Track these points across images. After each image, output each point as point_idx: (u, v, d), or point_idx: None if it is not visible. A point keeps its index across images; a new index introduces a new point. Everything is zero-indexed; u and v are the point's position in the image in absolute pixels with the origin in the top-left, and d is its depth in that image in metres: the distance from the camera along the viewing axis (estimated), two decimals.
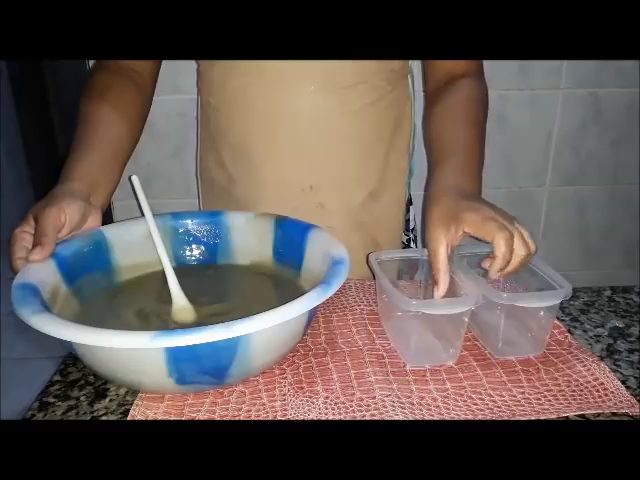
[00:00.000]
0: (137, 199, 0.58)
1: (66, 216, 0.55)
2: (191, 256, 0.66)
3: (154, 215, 0.59)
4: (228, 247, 0.66)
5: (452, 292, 0.55)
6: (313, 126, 0.71)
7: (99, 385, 0.52)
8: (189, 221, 0.66)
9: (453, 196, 0.57)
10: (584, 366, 0.53)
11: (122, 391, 0.51)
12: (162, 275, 0.58)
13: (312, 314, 0.50)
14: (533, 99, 1.13)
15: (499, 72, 1.10)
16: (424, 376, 0.52)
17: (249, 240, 0.65)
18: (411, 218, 0.88)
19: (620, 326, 0.62)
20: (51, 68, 1.11)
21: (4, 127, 2.31)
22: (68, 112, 1.10)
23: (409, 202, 0.86)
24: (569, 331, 0.60)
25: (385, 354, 0.56)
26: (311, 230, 0.61)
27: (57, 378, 0.53)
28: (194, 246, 0.66)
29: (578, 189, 1.21)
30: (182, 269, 0.62)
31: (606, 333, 0.60)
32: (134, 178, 0.59)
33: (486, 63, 1.09)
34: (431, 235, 0.54)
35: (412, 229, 0.88)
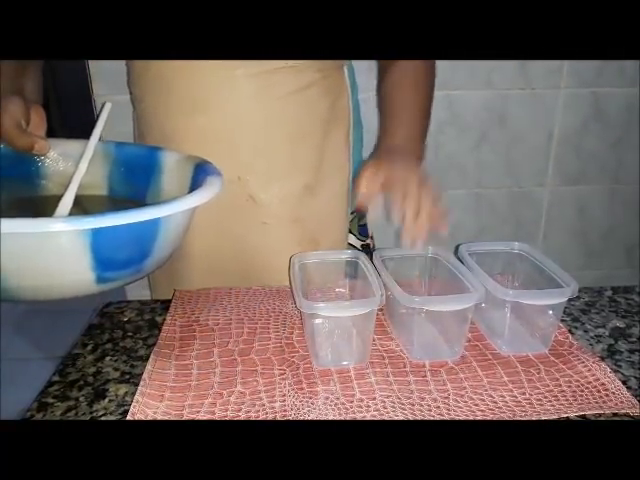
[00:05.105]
0: (96, 122, 0.58)
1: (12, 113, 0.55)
2: (123, 190, 0.64)
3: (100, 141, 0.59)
4: (157, 187, 0.63)
5: (457, 289, 0.56)
6: (237, 112, 0.68)
7: (98, 385, 0.52)
8: (129, 152, 0.64)
9: (390, 152, 0.64)
10: (585, 366, 0.53)
11: (121, 392, 0.51)
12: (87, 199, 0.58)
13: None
14: (534, 99, 1.13)
15: (499, 72, 1.10)
16: (424, 377, 0.52)
17: (174, 182, 0.62)
18: (368, 225, 0.84)
19: (621, 326, 0.61)
20: (51, 68, 1.11)
21: None
22: (68, 112, 1.10)
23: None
24: (570, 331, 0.60)
25: (385, 354, 0.56)
26: (211, 176, 0.57)
27: (56, 378, 0.53)
28: (129, 180, 0.64)
29: (579, 189, 1.21)
30: (106, 198, 0.61)
31: (607, 333, 0.60)
32: (108, 104, 0.58)
33: (486, 63, 1.09)
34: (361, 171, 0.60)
35: (371, 236, 0.85)
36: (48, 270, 0.44)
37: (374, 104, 0.77)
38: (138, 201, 0.62)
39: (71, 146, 0.62)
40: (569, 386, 0.51)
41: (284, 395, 0.50)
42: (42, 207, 0.59)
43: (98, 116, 0.59)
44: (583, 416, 0.47)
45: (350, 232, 0.81)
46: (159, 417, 0.47)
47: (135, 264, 0.49)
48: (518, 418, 0.47)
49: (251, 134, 0.69)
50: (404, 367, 0.54)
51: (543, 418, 0.47)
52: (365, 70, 0.83)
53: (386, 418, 0.47)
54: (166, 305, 0.66)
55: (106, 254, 0.45)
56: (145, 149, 0.66)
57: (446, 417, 0.47)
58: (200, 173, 0.57)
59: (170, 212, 0.46)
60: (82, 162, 0.57)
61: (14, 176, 0.60)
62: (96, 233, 0.43)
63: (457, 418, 0.47)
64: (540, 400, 0.49)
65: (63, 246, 0.43)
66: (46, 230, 0.41)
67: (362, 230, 0.83)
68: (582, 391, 0.50)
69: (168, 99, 0.69)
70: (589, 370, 0.52)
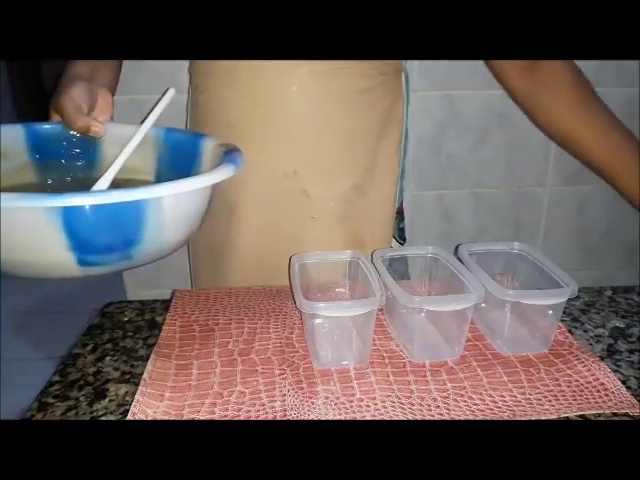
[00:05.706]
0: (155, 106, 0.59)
1: (76, 99, 0.58)
2: (169, 176, 0.62)
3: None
4: (198, 173, 0.62)
5: (457, 289, 0.56)
6: (299, 109, 0.70)
7: (98, 385, 0.52)
8: (177, 138, 0.64)
9: None
10: (585, 366, 0.53)
11: (122, 391, 0.51)
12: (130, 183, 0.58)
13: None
14: None
15: None
16: (424, 376, 0.52)
17: (209, 168, 0.59)
18: (406, 228, 0.86)
19: (621, 326, 0.61)
20: (51, 68, 1.11)
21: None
22: None
23: (402, 212, 0.85)
24: (570, 331, 0.60)
25: (385, 354, 0.56)
26: (223, 164, 0.56)
27: (56, 378, 0.53)
28: (175, 166, 0.64)
29: (579, 189, 1.21)
30: (151, 183, 0.61)
31: (607, 333, 0.60)
32: (172, 90, 0.60)
33: None
34: None
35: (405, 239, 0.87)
36: (25, 246, 0.44)
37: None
38: None
39: (129, 131, 0.61)
40: (569, 386, 0.51)
41: (284, 395, 0.50)
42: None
43: (158, 101, 0.59)
44: (583, 416, 0.47)
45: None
46: (159, 417, 0.47)
47: (121, 250, 0.47)
48: (518, 418, 0.47)
49: (311, 130, 0.71)
50: (404, 367, 0.54)
51: (543, 418, 0.47)
52: None
53: (386, 418, 0.47)
54: (166, 305, 0.66)
55: (82, 235, 0.44)
56: (190, 135, 0.65)
57: (446, 417, 0.47)
58: (224, 160, 0.57)
59: (141, 197, 0.44)
60: (129, 145, 0.58)
61: (72, 157, 0.62)
62: (68, 212, 0.42)
63: (457, 418, 0.47)
64: (540, 400, 0.49)
65: (33, 223, 0.42)
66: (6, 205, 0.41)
67: (400, 233, 0.85)
68: (582, 391, 0.50)
69: (232, 91, 0.71)
70: (589, 370, 0.52)
